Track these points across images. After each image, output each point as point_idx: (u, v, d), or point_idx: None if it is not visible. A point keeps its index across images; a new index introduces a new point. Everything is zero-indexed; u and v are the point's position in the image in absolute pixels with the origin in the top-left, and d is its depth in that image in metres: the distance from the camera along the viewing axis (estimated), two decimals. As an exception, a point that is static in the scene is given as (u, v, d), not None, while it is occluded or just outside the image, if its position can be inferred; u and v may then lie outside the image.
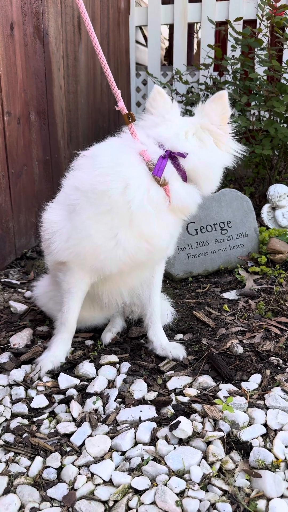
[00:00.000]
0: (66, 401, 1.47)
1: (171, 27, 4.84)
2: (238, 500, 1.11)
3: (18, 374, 1.59)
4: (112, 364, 1.67)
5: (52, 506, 1.12)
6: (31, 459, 1.25)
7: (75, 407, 1.43)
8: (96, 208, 1.47)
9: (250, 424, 1.35)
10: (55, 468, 1.22)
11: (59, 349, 1.66)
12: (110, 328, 1.86)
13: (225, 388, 1.51)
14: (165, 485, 1.15)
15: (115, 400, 1.47)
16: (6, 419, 1.41)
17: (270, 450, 1.25)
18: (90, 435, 1.32)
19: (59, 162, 3.02)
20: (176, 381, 1.56)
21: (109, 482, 1.18)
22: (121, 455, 1.26)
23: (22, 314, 2.05)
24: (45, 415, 1.42)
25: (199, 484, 1.15)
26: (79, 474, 1.20)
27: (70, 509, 1.10)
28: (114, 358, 1.69)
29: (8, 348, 1.76)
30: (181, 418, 1.33)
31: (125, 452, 1.27)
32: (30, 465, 1.23)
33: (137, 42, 4.53)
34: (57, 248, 1.57)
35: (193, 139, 1.53)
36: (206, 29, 4.03)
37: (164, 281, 2.28)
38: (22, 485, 1.17)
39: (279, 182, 3.16)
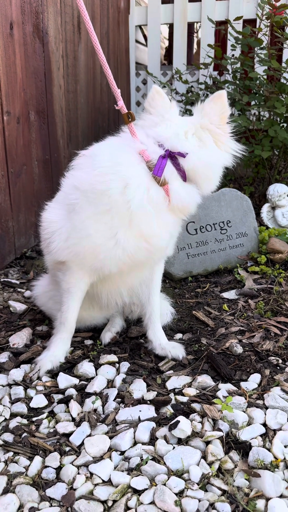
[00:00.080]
0: (65, 400, 1.47)
1: (171, 26, 4.84)
2: (237, 500, 1.11)
3: (17, 373, 1.59)
4: (112, 363, 1.66)
5: (51, 505, 1.12)
6: (30, 458, 1.25)
7: (74, 406, 1.43)
8: (96, 208, 1.47)
9: (249, 423, 1.35)
10: (54, 468, 1.22)
11: (58, 349, 1.66)
12: (110, 327, 1.86)
13: (224, 388, 1.51)
14: (164, 485, 1.15)
15: (114, 400, 1.47)
16: (5, 419, 1.41)
17: (269, 450, 1.25)
18: (89, 435, 1.32)
19: (58, 162, 3.02)
20: (176, 381, 1.56)
21: (108, 482, 1.18)
22: (120, 454, 1.26)
23: (21, 313, 2.04)
24: (44, 415, 1.42)
25: (198, 484, 1.15)
26: (78, 473, 1.20)
27: (69, 509, 1.10)
28: (113, 357, 1.69)
29: (8, 348, 1.76)
30: (180, 418, 1.33)
31: (124, 452, 1.27)
32: (29, 465, 1.23)
33: (137, 41, 4.53)
34: (57, 247, 1.57)
35: (192, 138, 1.52)
36: (206, 29, 4.03)
37: (163, 280, 2.28)
38: (21, 485, 1.17)
39: (278, 182, 3.16)
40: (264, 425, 1.35)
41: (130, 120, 1.50)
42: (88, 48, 3.38)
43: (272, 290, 2.21)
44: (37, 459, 1.24)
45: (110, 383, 1.57)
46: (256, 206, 3.01)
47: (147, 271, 1.71)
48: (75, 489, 1.15)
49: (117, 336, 1.85)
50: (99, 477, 1.18)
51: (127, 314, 1.95)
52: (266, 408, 1.42)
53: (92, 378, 1.58)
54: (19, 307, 2.07)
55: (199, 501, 1.11)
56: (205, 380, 1.55)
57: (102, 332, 1.85)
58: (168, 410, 1.41)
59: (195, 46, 5.89)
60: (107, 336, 1.81)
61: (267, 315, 2.00)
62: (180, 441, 1.30)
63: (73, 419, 1.40)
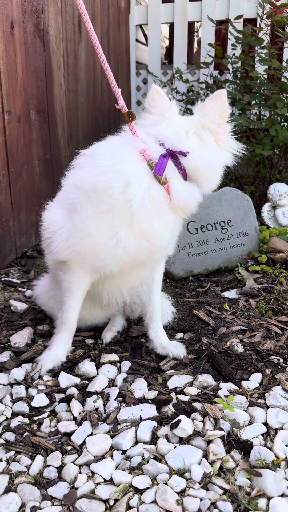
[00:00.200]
0: (67, 400, 1.47)
1: (171, 25, 4.84)
2: (238, 499, 1.11)
3: (18, 373, 1.59)
4: (113, 363, 1.67)
5: (52, 505, 1.12)
6: (32, 458, 1.25)
7: (75, 406, 1.43)
8: (97, 207, 1.47)
9: (250, 423, 1.35)
10: (55, 467, 1.22)
11: (59, 348, 1.66)
12: (111, 327, 1.86)
13: (225, 387, 1.51)
14: (166, 484, 1.15)
15: (115, 399, 1.47)
16: (7, 418, 1.41)
17: (270, 449, 1.25)
18: (91, 434, 1.33)
19: (59, 161, 3.02)
20: (177, 380, 1.56)
21: (110, 481, 1.18)
22: (121, 454, 1.26)
23: (22, 313, 2.05)
24: (46, 414, 1.42)
25: (199, 483, 1.16)
26: (80, 473, 1.20)
27: (71, 508, 1.10)
28: (114, 357, 1.69)
29: (9, 347, 1.76)
30: (182, 417, 1.33)
31: (126, 451, 1.27)
32: (30, 464, 1.23)
33: (137, 41, 4.53)
34: (58, 247, 1.57)
35: (193, 137, 1.52)
36: (206, 28, 4.03)
37: (164, 280, 2.28)
38: (22, 484, 1.17)
39: (279, 181, 3.16)
40: (266, 424, 1.35)
41: (130, 119, 1.50)
42: (89, 47, 3.38)
43: (273, 290, 2.21)
44: (39, 458, 1.24)
45: (111, 382, 1.57)
46: (257, 206, 3.01)
47: (148, 271, 1.71)
48: (76, 488, 1.15)
49: (118, 335, 1.85)
50: (101, 476, 1.18)
51: (128, 314, 1.95)
52: (267, 407, 1.42)
53: (93, 377, 1.58)
54: (20, 306, 2.07)
55: (201, 500, 1.11)
56: (206, 379, 1.55)
57: (103, 331, 1.85)
58: (169, 409, 1.41)
59: (195, 45, 5.88)
60: (108, 335, 1.81)
61: (268, 314, 2.00)
62: (181, 440, 1.30)
63: (75, 418, 1.40)
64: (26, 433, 1.34)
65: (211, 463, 1.22)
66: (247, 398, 1.45)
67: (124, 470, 1.20)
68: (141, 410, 1.40)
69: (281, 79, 3.06)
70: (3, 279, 2.36)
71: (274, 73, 2.98)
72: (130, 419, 1.38)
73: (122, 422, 1.37)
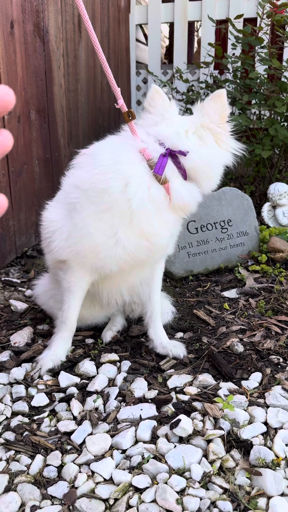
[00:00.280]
0: (67, 399, 1.47)
1: (171, 25, 4.84)
2: (238, 498, 1.11)
3: (18, 372, 1.59)
4: (113, 362, 1.67)
5: (52, 504, 1.12)
6: (32, 457, 1.25)
7: (75, 405, 1.43)
8: (96, 207, 1.47)
9: (250, 422, 1.35)
10: (55, 466, 1.22)
11: (59, 348, 1.66)
12: (111, 326, 1.86)
13: (225, 387, 1.51)
14: (166, 483, 1.15)
15: (115, 399, 1.47)
16: (7, 418, 1.41)
17: (270, 448, 1.25)
18: (91, 434, 1.33)
19: (59, 161, 3.01)
20: (177, 380, 1.56)
21: (110, 480, 1.18)
22: (121, 453, 1.26)
23: (22, 312, 2.05)
24: (46, 414, 1.42)
25: (199, 482, 1.16)
26: (80, 472, 1.20)
27: (71, 507, 1.10)
28: (114, 356, 1.69)
29: (9, 347, 1.76)
30: (182, 417, 1.33)
31: (126, 450, 1.27)
32: (30, 463, 1.23)
33: (137, 40, 4.52)
34: (57, 246, 1.57)
35: (193, 137, 1.53)
36: (206, 27, 4.03)
37: (164, 279, 2.28)
38: (22, 483, 1.17)
39: (279, 181, 3.16)
40: (265, 423, 1.35)
41: (130, 118, 1.50)
42: (89, 47, 3.38)
43: (273, 289, 2.21)
44: (39, 458, 1.24)
45: (111, 382, 1.57)
46: (256, 205, 3.01)
47: (148, 270, 1.71)
48: (76, 488, 1.15)
49: (118, 335, 1.85)
50: (101, 476, 1.18)
51: (128, 313, 1.95)
52: (267, 406, 1.42)
53: (93, 376, 1.58)
54: (20, 306, 2.07)
55: (201, 499, 1.11)
56: (206, 378, 1.55)
57: (103, 331, 1.85)
58: (169, 408, 1.41)
59: (195, 45, 5.88)
60: (108, 335, 1.81)
61: (268, 314, 2.00)
62: (181, 440, 1.30)
63: (74, 418, 1.40)
64: (26, 433, 1.34)
65: (211, 462, 1.22)
66: (247, 397, 1.45)
67: (124, 469, 1.20)
68: (141, 409, 1.41)
69: (281, 78, 3.06)
70: (3, 278, 2.36)
71: (274, 73, 2.98)
72: (130, 419, 1.38)
73: (122, 422, 1.37)
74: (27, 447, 1.28)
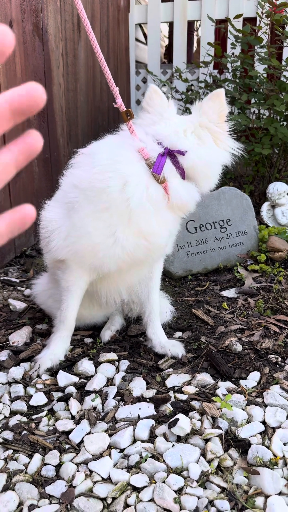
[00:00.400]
0: (65, 398, 1.47)
1: (171, 25, 4.83)
2: (236, 497, 1.11)
3: (17, 372, 1.59)
4: (111, 362, 1.67)
5: (50, 503, 1.12)
6: (30, 456, 1.26)
7: (74, 404, 1.43)
8: (95, 206, 1.47)
9: (248, 421, 1.36)
10: (53, 466, 1.22)
11: (58, 347, 1.66)
12: (109, 326, 1.86)
13: (223, 386, 1.51)
14: (164, 482, 1.15)
15: (114, 398, 1.47)
16: (5, 417, 1.41)
17: (268, 447, 1.25)
18: (89, 433, 1.33)
19: (58, 160, 3.01)
20: (175, 379, 1.56)
21: (108, 479, 1.18)
22: (119, 452, 1.26)
23: (21, 312, 2.05)
24: (44, 413, 1.42)
25: (197, 481, 1.16)
26: (78, 471, 1.20)
27: (69, 506, 1.11)
28: (113, 356, 1.69)
29: (7, 346, 1.76)
30: (180, 416, 1.33)
31: (124, 449, 1.27)
32: (28, 463, 1.23)
33: (137, 40, 4.52)
34: (56, 246, 1.57)
35: (192, 137, 1.53)
36: (206, 27, 4.03)
37: (163, 279, 2.28)
38: (20, 482, 1.17)
39: (278, 180, 3.16)
40: (263, 423, 1.35)
41: (128, 118, 1.50)
42: (88, 46, 3.38)
43: (272, 289, 2.21)
44: (37, 457, 1.24)
45: (110, 381, 1.57)
46: (256, 205, 3.01)
47: (147, 270, 1.71)
48: (74, 487, 1.15)
49: (117, 334, 1.86)
50: (99, 475, 1.19)
51: (126, 313, 1.95)
52: (265, 406, 1.42)
53: (92, 376, 1.58)
54: (19, 305, 2.07)
55: (198, 498, 1.11)
56: (205, 378, 1.55)
57: (102, 330, 1.85)
58: (167, 408, 1.42)
59: (195, 44, 5.88)
60: (106, 334, 1.82)
61: (267, 313, 2.00)
62: (179, 439, 1.30)
63: (73, 417, 1.40)
64: (24, 432, 1.34)
65: (209, 461, 1.22)
66: (245, 396, 1.45)
67: (122, 468, 1.21)
68: (139, 408, 1.41)
69: (280, 78, 3.06)
70: (2, 278, 2.36)
71: (273, 72, 2.97)
72: (128, 418, 1.38)
73: (120, 421, 1.37)
74: (25, 446, 1.28)
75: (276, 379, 1.55)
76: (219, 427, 1.32)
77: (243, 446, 1.26)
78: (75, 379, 1.56)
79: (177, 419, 1.31)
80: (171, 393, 1.49)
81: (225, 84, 3.27)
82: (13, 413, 1.43)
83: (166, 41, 6.57)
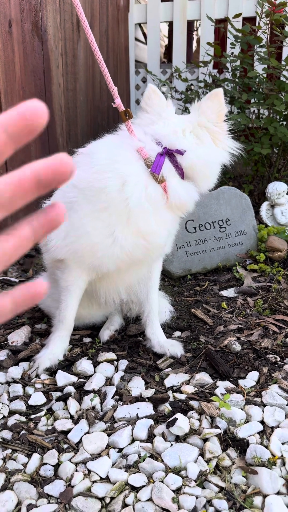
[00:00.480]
0: (64, 398, 1.47)
1: (170, 24, 4.83)
2: (234, 497, 1.11)
3: (16, 371, 1.59)
4: (110, 361, 1.67)
5: (49, 502, 1.12)
6: (28, 456, 1.26)
7: (72, 404, 1.43)
8: (94, 206, 1.47)
9: (247, 421, 1.36)
10: (52, 465, 1.22)
11: (57, 347, 1.66)
12: (108, 325, 1.86)
13: (222, 386, 1.51)
14: (162, 482, 1.15)
15: (112, 398, 1.47)
16: (4, 416, 1.41)
17: (266, 447, 1.25)
18: (87, 432, 1.33)
19: (58, 160, 3.01)
20: (174, 379, 1.56)
21: (106, 479, 1.18)
22: (118, 452, 1.26)
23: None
24: (43, 412, 1.42)
25: (195, 481, 1.16)
26: (76, 471, 1.20)
27: (67, 505, 1.11)
28: (112, 355, 1.69)
29: (6, 346, 1.76)
30: (178, 415, 1.33)
31: (122, 449, 1.27)
32: (27, 462, 1.23)
33: (136, 39, 4.52)
34: (55, 246, 1.57)
35: (190, 136, 1.53)
36: (205, 27, 4.02)
37: (162, 279, 2.28)
38: (19, 482, 1.17)
39: (278, 180, 3.15)
40: (262, 422, 1.35)
41: (127, 117, 1.50)
42: (87, 46, 3.38)
43: (271, 288, 2.21)
44: (35, 456, 1.24)
45: (109, 381, 1.57)
46: (255, 204, 3.01)
47: (145, 269, 1.71)
48: (73, 486, 1.15)
49: (116, 334, 1.86)
50: (97, 474, 1.19)
51: (126, 312, 1.95)
52: (264, 405, 1.42)
53: (91, 375, 1.58)
54: (18, 305, 2.06)
55: (197, 498, 1.11)
56: (203, 377, 1.55)
57: (101, 330, 1.85)
58: (166, 407, 1.42)
59: (194, 44, 5.88)
60: (105, 334, 1.82)
61: (266, 313, 2.00)
62: (177, 439, 1.30)
63: (71, 417, 1.40)
64: (23, 431, 1.34)
65: (207, 461, 1.22)
66: (243, 396, 1.45)
67: (120, 468, 1.21)
68: (138, 408, 1.41)
69: (280, 77, 3.05)
70: (1, 277, 2.36)
71: (273, 72, 2.97)
72: (127, 417, 1.38)
73: (118, 420, 1.37)
74: (24, 446, 1.28)
75: (274, 379, 1.55)
76: (217, 427, 1.32)
77: (242, 445, 1.26)
78: (74, 378, 1.56)
79: (176, 419, 1.31)
80: (169, 393, 1.49)
81: (225, 84, 3.27)
82: (11, 412, 1.43)
83: (166, 41, 6.57)
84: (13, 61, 2.39)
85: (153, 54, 4.29)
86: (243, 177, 3.51)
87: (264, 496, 1.11)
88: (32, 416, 1.41)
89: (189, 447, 1.25)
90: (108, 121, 3.93)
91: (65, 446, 1.29)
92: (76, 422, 1.37)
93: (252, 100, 3.21)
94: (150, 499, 1.11)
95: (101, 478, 1.18)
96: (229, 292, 2.24)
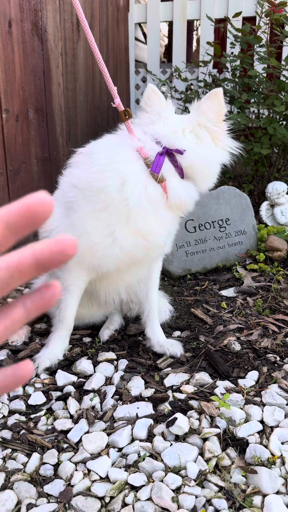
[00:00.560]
0: (64, 398, 1.48)
1: (170, 24, 4.83)
2: (234, 496, 1.11)
3: (15, 371, 1.59)
4: (110, 361, 1.67)
5: (48, 502, 1.12)
6: (28, 455, 1.26)
7: (72, 404, 1.43)
8: (93, 205, 1.47)
9: (246, 420, 1.36)
10: (52, 465, 1.23)
11: (56, 346, 1.66)
12: (108, 325, 1.86)
13: (222, 385, 1.51)
14: (162, 481, 1.15)
15: (112, 397, 1.47)
16: (4, 416, 1.41)
17: (266, 446, 1.25)
18: (87, 432, 1.33)
19: (57, 160, 3.01)
20: (173, 378, 1.56)
21: (106, 479, 1.18)
22: (117, 451, 1.26)
23: (20, 311, 2.05)
24: (43, 412, 1.42)
25: (195, 480, 1.16)
26: (76, 470, 1.20)
27: (67, 505, 1.11)
28: (111, 355, 1.69)
29: (6, 345, 1.77)
30: (178, 415, 1.33)
31: (122, 448, 1.27)
32: (27, 462, 1.24)
33: (136, 39, 4.52)
34: (55, 245, 1.57)
35: (190, 136, 1.53)
36: (205, 26, 4.02)
37: (162, 278, 2.28)
38: (19, 481, 1.17)
39: (278, 180, 3.16)
40: (262, 422, 1.35)
41: (127, 117, 1.50)
42: (87, 46, 3.38)
43: (271, 288, 2.21)
44: (35, 456, 1.25)
45: (108, 380, 1.57)
46: (255, 204, 3.01)
47: (145, 269, 1.71)
48: (72, 486, 1.15)
49: (116, 333, 1.86)
50: (97, 474, 1.19)
51: (125, 312, 1.95)
52: (264, 405, 1.42)
53: (91, 375, 1.59)
54: (18, 305, 2.07)
55: (196, 497, 1.11)
56: (203, 377, 1.55)
57: (101, 329, 1.85)
58: (165, 407, 1.42)
59: (194, 43, 5.88)
60: (105, 334, 1.82)
61: (266, 312, 2.00)
62: (177, 438, 1.30)
63: (71, 416, 1.40)
64: (23, 431, 1.34)
65: (207, 460, 1.22)
66: (243, 396, 1.46)
67: (120, 467, 1.21)
68: (138, 408, 1.41)
69: (279, 77, 3.05)
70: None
71: (273, 72, 2.97)
72: (127, 417, 1.38)
73: (118, 420, 1.38)
74: (24, 446, 1.29)
75: (274, 378, 1.55)
76: (217, 426, 1.32)
77: (241, 445, 1.26)
78: (74, 378, 1.56)
79: (175, 418, 1.31)
80: (169, 392, 1.49)
81: (225, 84, 3.26)
82: (11, 412, 1.43)
83: (166, 41, 6.57)
84: (13, 61, 2.39)
85: (153, 53, 4.29)
86: (243, 176, 3.51)
87: (264, 496, 1.11)
88: (32, 416, 1.41)
89: (188, 446, 1.25)
90: (108, 121, 3.93)
91: (65, 445, 1.29)
92: (76, 421, 1.37)
93: (252, 100, 3.21)
94: (149, 499, 1.11)
95: (101, 478, 1.18)
96: (229, 292, 2.24)
